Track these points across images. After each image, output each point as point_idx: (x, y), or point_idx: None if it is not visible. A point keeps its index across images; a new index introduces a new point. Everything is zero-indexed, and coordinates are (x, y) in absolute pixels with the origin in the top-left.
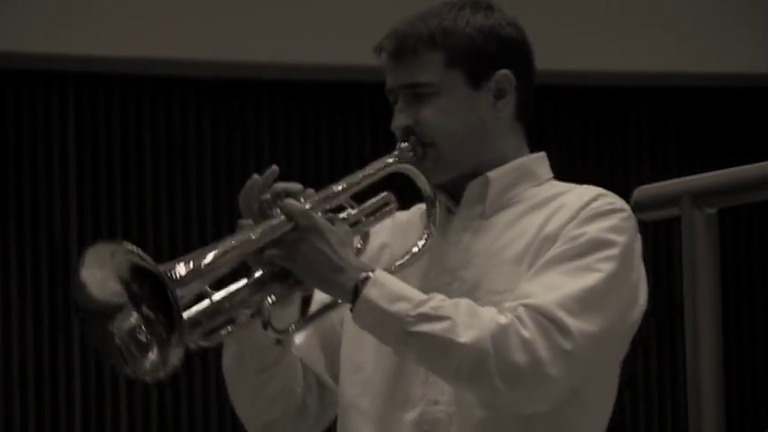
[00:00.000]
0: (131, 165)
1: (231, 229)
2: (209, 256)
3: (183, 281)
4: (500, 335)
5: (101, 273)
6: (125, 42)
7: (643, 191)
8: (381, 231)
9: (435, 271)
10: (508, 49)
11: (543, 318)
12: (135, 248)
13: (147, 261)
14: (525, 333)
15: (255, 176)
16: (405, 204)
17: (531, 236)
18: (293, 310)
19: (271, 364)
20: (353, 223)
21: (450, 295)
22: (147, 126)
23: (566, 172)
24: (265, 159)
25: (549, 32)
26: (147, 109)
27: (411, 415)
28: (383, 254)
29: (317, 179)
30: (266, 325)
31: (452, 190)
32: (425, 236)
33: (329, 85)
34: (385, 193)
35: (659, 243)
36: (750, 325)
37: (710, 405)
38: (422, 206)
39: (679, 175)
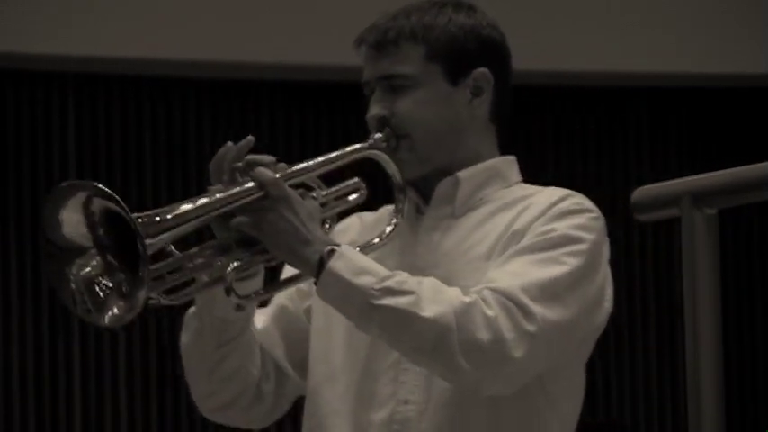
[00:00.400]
0: (131, 165)
1: None
2: (178, 210)
3: (150, 231)
4: (464, 311)
5: (72, 213)
6: (125, 43)
7: (643, 191)
8: (350, 230)
9: (406, 269)
10: (488, 49)
11: (507, 299)
12: (108, 190)
13: (122, 205)
14: (489, 312)
15: (230, 144)
16: (373, 201)
17: (500, 232)
18: (257, 283)
19: (230, 339)
20: (322, 204)
21: None
22: (147, 126)
23: (566, 172)
24: None
25: (550, 33)
26: (147, 109)
27: (381, 414)
28: None
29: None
30: (228, 290)
31: (422, 189)
32: (393, 222)
33: (329, 86)
34: (356, 180)
35: (659, 243)
36: (750, 325)
37: (710, 405)
38: (389, 207)
39: (679, 176)
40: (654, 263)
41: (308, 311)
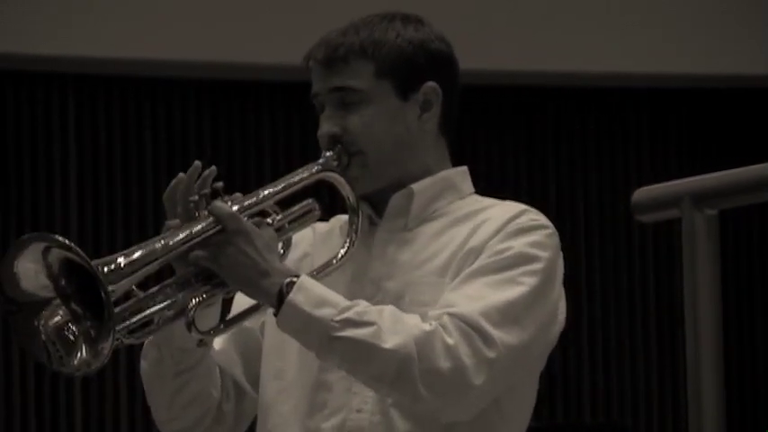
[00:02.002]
0: (131, 166)
1: None
2: (137, 255)
3: (112, 277)
4: (424, 341)
5: (31, 266)
6: (125, 44)
7: (643, 192)
8: (302, 241)
9: (359, 282)
10: (436, 63)
11: (467, 326)
12: (67, 241)
13: (81, 256)
14: (449, 340)
15: (181, 175)
16: (329, 212)
17: (456, 248)
18: (215, 310)
19: (189, 367)
20: (277, 229)
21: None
22: (147, 127)
23: (566, 173)
24: (265, 160)
25: (550, 34)
26: (147, 110)
27: (333, 422)
28: (303, 264)
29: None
30: (190, 326)
31: (375, 201)
32: (347, 245)
33: None
34: (309, 201)
35: (659, 244)
36: (750, 325)
37: (711, 406)
38: (341, 217)
39: (679, 177)
40: (654, 264)
41: (262, 326)
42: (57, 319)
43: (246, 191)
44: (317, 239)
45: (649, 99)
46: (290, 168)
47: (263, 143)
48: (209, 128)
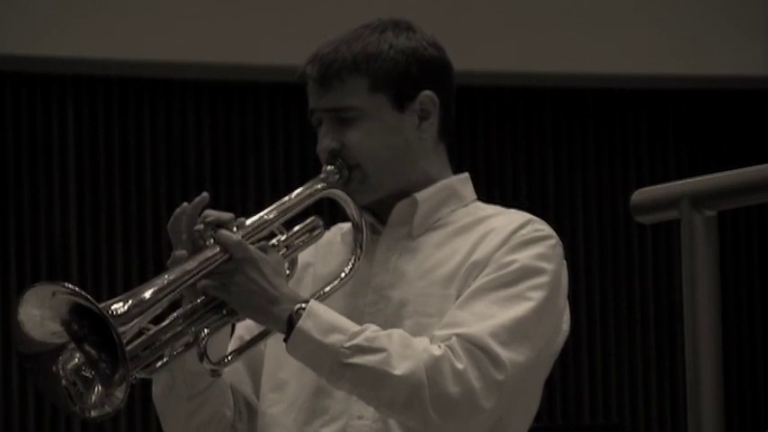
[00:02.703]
0: (130, 166)
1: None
2: (148, 293)
3: (123, 319)
4: (434, 366)
5: (40, 313)
6: (124, 45)
7: (642, 193)
8: (304, 251)
9: (362, 290)
10: (430, 70)
11: (475, 348)
12: (76, 288)
13: (90, 300)
14: (458, 365)
15: (185, 205)
16: (330, 222)
17: (461, 259)
18: (225, 335)
19: (202, 390)
20: (283, 249)
21: (376, 315)
22: (147, 128)
23: (566, 174)
24: (265, 160)
25: (549, 35)
26: (147, 111)
27: (334, 427)
28: (306, 273)
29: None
30: (202, 357)
31: (377, 210)
32: (352, 261)
33: None
34: (313, 218)
35: (658, 246)
36: (750, 326)
37: (710, 407)
38: (342, 225)
39: (678, 178)
40: (653, 265)
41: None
42: (75, 362)
43: (245, 192)
44: (319, 249)
45: (648, 100)
46: (289, 169)
47: (262, 144)
48: (209, 129)
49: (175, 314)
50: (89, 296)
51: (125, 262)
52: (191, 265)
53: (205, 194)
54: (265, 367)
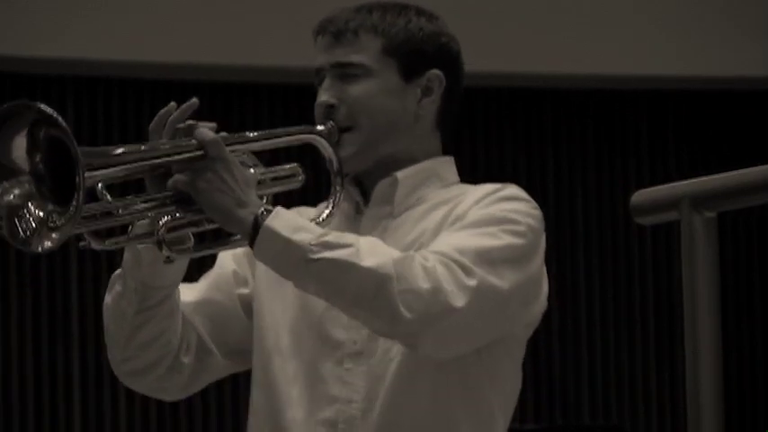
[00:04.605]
0: None
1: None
2: (119, 150)
3: (90, 160)
4: (403, 262)
5: (14, 132)
6: (124, 46)
7: (642, 194)
8: None
9: None
10: (444, 56)
11: (446, 258)
12: (60, 120)
13: (69, 135)
14: (427, 263)
15: (172, 104)
16: (313, 201)
17: (440, 221)
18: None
19: (151, 305)
20: (258, 182)
21: None
22: (147, 129)
23: (565, 174)
24: (264, 162)
25: (549, 36)
26: (147, 112)
27: (327, 413)
28: None
29: (318, 179)
30: (160, 243)
31: (364, 187)
32: (330, 206)
33: None
34: (294, 164)
35: (658, 246)
36: (749, 327)
37: (710, 408)
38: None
39: (678, 179)
40: (653, 265)
41: (245, 307)
42: (17, 192)
43: None
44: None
45: (648, 101)
46: None
47: None
48: None
49: (139, 195)
50: (65, 125)
51: None
52: (165, 144)
53: (195, 100)
54: (258, 337)
